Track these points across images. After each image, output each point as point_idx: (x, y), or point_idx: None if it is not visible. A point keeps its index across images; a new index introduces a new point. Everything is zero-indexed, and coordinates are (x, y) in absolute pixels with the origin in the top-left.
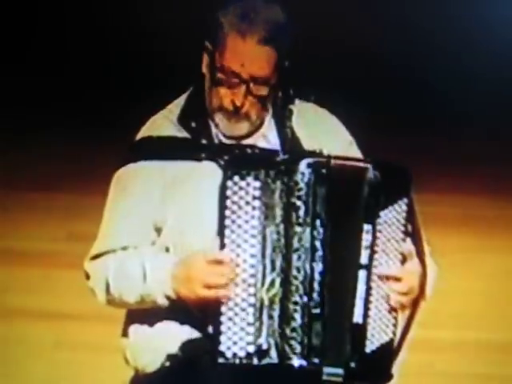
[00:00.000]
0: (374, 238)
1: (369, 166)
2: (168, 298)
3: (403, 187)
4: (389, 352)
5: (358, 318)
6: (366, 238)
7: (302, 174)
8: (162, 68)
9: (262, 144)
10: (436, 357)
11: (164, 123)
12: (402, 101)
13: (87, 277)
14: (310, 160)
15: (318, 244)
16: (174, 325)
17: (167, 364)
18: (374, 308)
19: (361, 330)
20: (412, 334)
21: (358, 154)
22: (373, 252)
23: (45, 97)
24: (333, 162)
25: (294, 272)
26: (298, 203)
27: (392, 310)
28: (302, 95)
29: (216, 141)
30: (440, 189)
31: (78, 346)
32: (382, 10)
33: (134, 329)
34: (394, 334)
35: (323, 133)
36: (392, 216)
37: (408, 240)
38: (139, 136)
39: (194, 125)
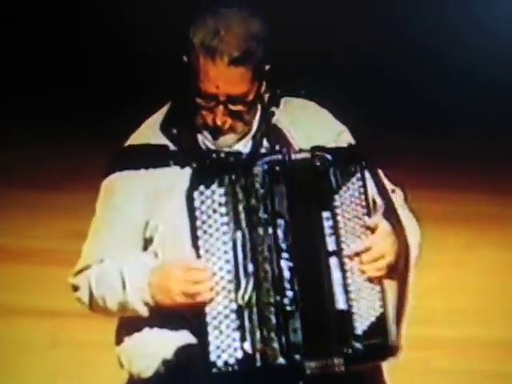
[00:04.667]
0: (336, 222)
1: (309, 154)
2: (147, 304)
3: (351, 164)
4: (383, 327)
5: (341, 304)
6: (328, 225)
7: (256, 174)
8: (161, 69)
9: (249, 147)
10: (435, 354)
11: (147, 131)
12: (399, 100)
13: (74, 289)
14: (265, 159)
15: (282, 242)
16: (169, 330)
17: (162, 370)
18: (355, 290)
19: (347, 316)
20: (411, 310)
21: (351, 141)
22: (338, 236)
23: (44, 96)
24: (286, 157)
25: (263, 274)
26: (257, 204)
27: (374, 282)
28: (292, 90)
29: (203, 147)
30: (438, 186)
31: (74, 343)
32: (381, 10)
33: (129, 334)
34: (383, 306)
35: (312, 126)
36: (348, 196)
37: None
38: (127, 143)
39: (175, 132)
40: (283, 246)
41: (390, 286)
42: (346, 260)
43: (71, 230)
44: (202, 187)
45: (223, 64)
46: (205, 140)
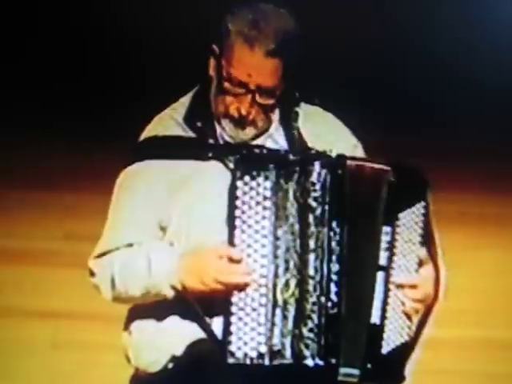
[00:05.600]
0: (393, 240)
1: (389, 168)
2: (174, 288)
3: (421, 191)
4: (403, 354)
5: (375, 318)
6: (386, 240)
7: (319, 174)
8: (165, 67)
9: (268, 145)
10: (437, 355)
11: (169, 122)
12: (400, 99)
13: (92, 274)
14: (324, 160)
15: (334, 245)
16: (180, 324)
17: (170, 365)
18: (392, 309)
19: (378, 331)
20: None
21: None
22: (391, 254)
23: (45, 96)
24: (351, 162)
25: (311, 272)
26: (315, 204)
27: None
28: (306, 98)
29: (221, 141)
30: (438, 186)
31: (75, 344)
32: (382, 11)
33: (138, 325)
34: (409, 336)
35: (329, 135)
36: (410, 219)
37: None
38: (144, 135)
39: (199, 125)
40: (336, 249)
41: None
42: (392, 279)
43: (71, 231)
44: (247, 177)
45: (260, 54)
46: (222, 133)
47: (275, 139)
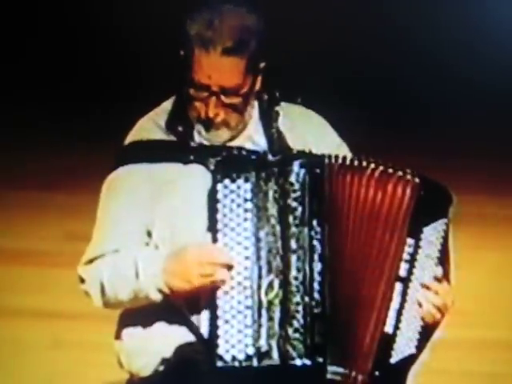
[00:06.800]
0: (416, 253)
1: (418, 181)
2: (160, 291)
3: (446, 206)
4: (409, 365)
5: (388, 328)
6: (408, 252)
7: (297, 174)
8: (164, 67)
9: (248, 146)
10: (437, 355)
11: (152, 127)
12: (399, 100)
13: (81, 281)
14: (302, 160)
15: (316, 244)
16: (169, 328)
17: (161, 368)
18: (405, 321)
19: (389, 340)
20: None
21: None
22: (412, 267)
23: (44, 96)
24: (334, 162)
25: (294, 273)
26: (294, 204)
27: (421, 323)
28: (289, 97)
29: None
30: None
31: (74, 345)
32: (379, 10)
33: (129, 332)
34: (417, 349)
35: (310, 134)
36: (432, 233)
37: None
38: (127, 140)
39: (181, 129)
40: (318, 248)
41: None
42: (410, 291)
43: (71, 231)
44: (227, 180)
45: (216, 54)
46: (200, 137)
47: (254, 140)
